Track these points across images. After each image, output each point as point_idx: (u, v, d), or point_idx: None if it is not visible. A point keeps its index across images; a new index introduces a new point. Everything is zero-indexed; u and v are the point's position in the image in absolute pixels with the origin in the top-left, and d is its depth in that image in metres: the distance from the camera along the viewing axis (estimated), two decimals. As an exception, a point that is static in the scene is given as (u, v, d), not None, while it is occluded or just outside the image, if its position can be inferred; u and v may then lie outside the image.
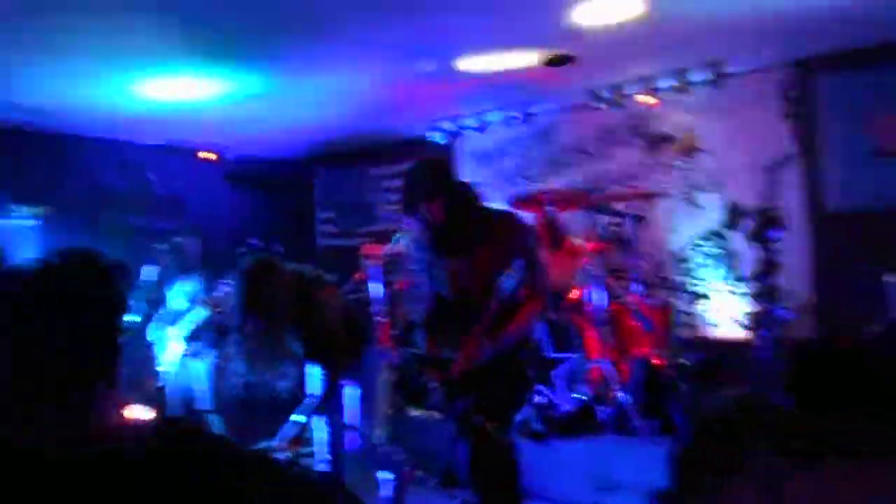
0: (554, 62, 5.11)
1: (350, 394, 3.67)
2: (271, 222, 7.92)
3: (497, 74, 5.40)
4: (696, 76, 5.60)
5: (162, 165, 7.16)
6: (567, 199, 5.68)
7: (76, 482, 0.95)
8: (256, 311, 3.11)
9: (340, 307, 3.44)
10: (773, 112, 5.66)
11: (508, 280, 2.50)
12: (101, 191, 6.54)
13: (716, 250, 6.08)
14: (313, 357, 3.40)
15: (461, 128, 6.79)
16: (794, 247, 5.66)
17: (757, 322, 5.66)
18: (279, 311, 3.15)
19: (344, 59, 4.90)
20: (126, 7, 3.80)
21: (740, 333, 5.85)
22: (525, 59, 5.07)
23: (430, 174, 2.82)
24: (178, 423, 1.07)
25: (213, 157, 7.35)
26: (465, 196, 2.79)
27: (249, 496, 0.96)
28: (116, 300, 1.10)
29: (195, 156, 7.23)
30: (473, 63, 5.12)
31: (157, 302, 4.59)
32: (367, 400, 3.56)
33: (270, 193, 8.23)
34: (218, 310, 4.13)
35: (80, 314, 1.03)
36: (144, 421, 1.09)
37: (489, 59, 5.05)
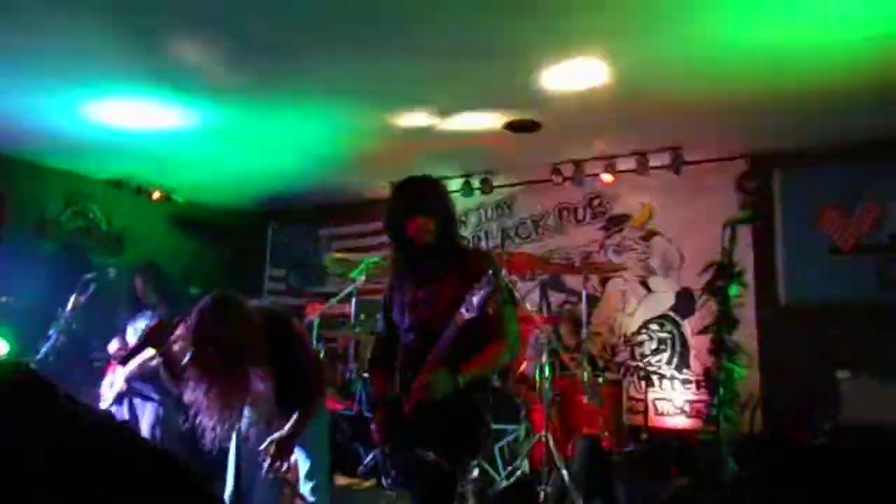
0: (517, 126, 5.10)
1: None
2: (217, 272, 7.60)
3: (461, 137, 5.37)
4: (655, 160, 5.66)
5: (107, 201, 6.88)
6: (523, 265, 5.58)
7: None
8: (213, 346, 2.62)
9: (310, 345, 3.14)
10: (730, 203, 5.71)
11: (474, 296, 2.15)
12: (44, 220, 6.31)
13: (666, 335, 5.99)
14: (288, 395, 3.03)
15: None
16: (744, 337, 5.63)
17: (704, 411, 5.54)
18: (244, 345, 2.69)
19: (311, 102, 4.79)
20: (84, 6, 3.44)
21: (687, 423, 5.70)
22: (489, 120, 5.03)
23: (432, 188, 2.54)
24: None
25: (162, 197, 7.09)
26: (455, 222, 2.54)
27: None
28: None
29: (145, 195, 6.97)
30: (436, 122, 5.07)
31: (76, 331, 4.25)
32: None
33: (219, 242, 7.94)
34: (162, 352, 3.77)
35: None
36: None
37: (454, 118, 5.01)
